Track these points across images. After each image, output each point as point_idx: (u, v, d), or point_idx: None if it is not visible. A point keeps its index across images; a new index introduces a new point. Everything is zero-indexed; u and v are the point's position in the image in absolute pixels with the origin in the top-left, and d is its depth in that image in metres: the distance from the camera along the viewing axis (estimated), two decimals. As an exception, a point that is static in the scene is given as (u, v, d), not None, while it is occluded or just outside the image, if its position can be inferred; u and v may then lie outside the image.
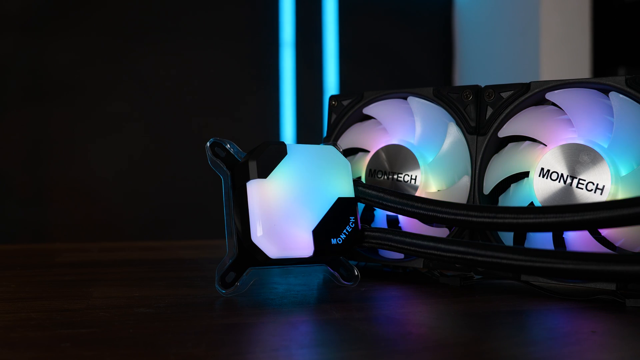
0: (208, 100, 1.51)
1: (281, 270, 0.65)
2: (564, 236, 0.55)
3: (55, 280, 0.63)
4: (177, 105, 1.49)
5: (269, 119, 1.57)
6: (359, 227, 0.56)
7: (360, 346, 0.39)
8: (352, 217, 0.55)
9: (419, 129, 0.62)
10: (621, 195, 0.52)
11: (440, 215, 0.53)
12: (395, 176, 0.62)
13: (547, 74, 1.42)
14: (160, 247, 0.97)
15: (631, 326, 0.46)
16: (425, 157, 0.62)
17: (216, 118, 1.52)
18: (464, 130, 0.60)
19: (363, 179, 0.65)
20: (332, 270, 0.56)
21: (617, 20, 1.54)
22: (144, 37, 1.46)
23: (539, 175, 0.55)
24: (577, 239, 0.54)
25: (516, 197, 0.57)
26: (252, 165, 0.52)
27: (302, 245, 0.52)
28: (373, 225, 0.64)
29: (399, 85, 0.65)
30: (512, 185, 0.58)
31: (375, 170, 0.64)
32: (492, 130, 0.59)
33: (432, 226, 0.61)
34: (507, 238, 0.57)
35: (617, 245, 0.52)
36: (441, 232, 0.60)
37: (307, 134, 1.57)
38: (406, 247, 0.54)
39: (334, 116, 0.68)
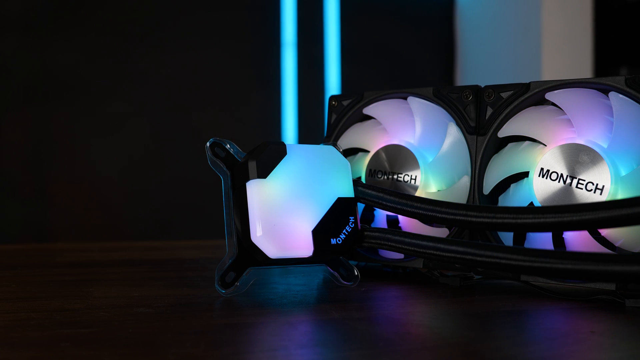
0: (209, 100, 1.51)
1: (281, 270, 0.65)
2: (563, 236, 0.55)
3: (55, 280, 0.63)
4: (178, 105, 1.49)
5: (270, 119, 1.57)
6: (359, 227, 0.56)
7: (359, 346, 0.39)
8: (351, 217, 0.55)
9: (419, 129, 0.62)
10: (621, 195, 0.52)
11: (440, 215, 0.53)
12: (395, 176, 0.62)
13: (548, 74, 1.42)
14: (161, 247, 0.97)
15: (631, 326, 0.46)
16: (425, 157, 0.62)
17: (218, 118, 1.52)
18: (463, 130, 0.60)
19: (363, 179, 0.65)
20: (331, 270, 0.56)
21: (619, 21, 1.54)
22: (146, 37, 1.46)
23: (539, 175, 0.55)
24: (577, 239, 0.54)
25: (516, 197, 0.57)
26: (252, 166, 0.52)
27: (302, 245, 0.52)
28: (373, 225, 0.64)
29: (400, 86, 0.65)
30: (512, 186, 0.58)
31: (375, 171, 0.64)
32: (491, 131, 0.59)
33: (432, 226, 0.61)
34: (507, 238, 0.57)
35: (616, 245, 0.52)
36: (441, 232, 0.60)
37: (309, 134, 1.57)
38: (405, 247, 0.54)
39: (334, 116, 0.68)
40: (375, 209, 0.64)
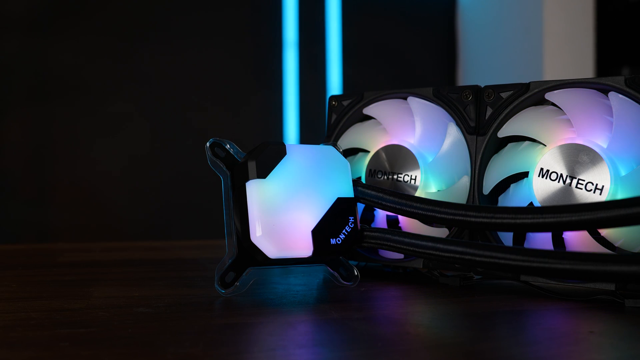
0: (211, 101, 1.51)
1: (281, 270, 0.66)
2: (563, 236, 0.55)
3: (56, 280, 0.63)
4: (180, 105, 1.49)
5: (272, 119, 1.57)
6: (359, 227, 0.56)
7: (358, 346, 0.39)
8: (351, 217, 0.55)
9: (418, 129, 0.62)
10: (621, 195, 0.52)
11: (439, 215, 0.53)
12: (395, 176, 0.63)
13: (550, 74, 1.42)
14: (162, 247, 0.98)
15: (630, 326, 0.45)
16: (425, 157, 0.62)
17: (219, 118, 1.52)
18: (463, 130, 0.60)
19: (363, 179, 0.65)
20: (331, 270, 0.56)
21: (621, 20, 1.54)
22: (147, 38, 1.46)
23: (539, 176, 0.55)
24: (577, 239, 0.54)
25: (516, 197, 0.57)
26: (252, 166, 0.52)
27: (301, 245, 0.52)
28: (373, 225, 0.64)
29: (402, 86, 0.65)
30: (512, 186, 0.58)
31: (375, 171, 0.64)
32: (491, 131, 0.59)
33: (432, 226, 0.61)
34: (507, 238, 0.57)
35: (616, 245, 0.52)
36: (441, 232, 0.60)
37: (310, 134, 1.57)
38: (405, 247, 0.54)
39: (334, 116, 0.69)
40: (375, 209, 0.64)
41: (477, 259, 0.49)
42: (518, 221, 0.48)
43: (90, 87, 1.43)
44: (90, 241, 1.33)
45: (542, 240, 0.55)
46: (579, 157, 0.53)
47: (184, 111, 1.49)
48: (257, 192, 0.51)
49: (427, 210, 0.54)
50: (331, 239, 0.53)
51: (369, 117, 0.67)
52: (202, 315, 0.47)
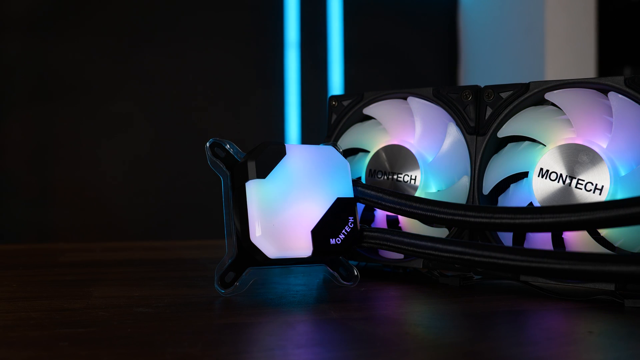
0: (213, 101, 1.51)
1: (281, 270, 0.66)
2: (563, 236, 0.55)
3: (56, 280, 0.63)
4: (181, 105, 1.49)
5: (273, 119, 1.57)
6: (358, 227, 0.56)
7: (357, 346, 0.40)
8: (351, 217, 0.55)
9: (418, 129, 0.62)
10: (620, 195, 0.52)
11: (439, 215, 0.53)
12: (395, 176, 0.63)
13: (551, 74, 1.41)
14: (163, 247, 0.98)
15: (629, 326, 0.45)
16: (425, 158, 0.62)
17: (221, 118, 1.52)
18: (463, 130, 0.60)
19: (363, 179, 0.65)
20: (331, 270, 0.56)
21: (623, 20, 1.54)
22: (149, 38, 1.46)
23: (538, 176, 0.55)
24: (576, 239, 0.54)
25: (515, 197, 0.57)
26: (251, 166, 0.52)
27: (301, 246, 0.52)
28: (373, 225, 0.64)
29: (403, 86, 0.65)
30: (512, 186, 0.58)
31: (375, 171, 0.64)
32: (491, 131, 0.59)
33: (432, 226, 0.61)
34: (507, 238, 0.57)
35: (615, 245, 0.52)
36: (441, 232, 0.60)
37: (312, 134, 1.57)
38: (404, 247, 0.54)
39: (334, 116, 0.69)
40: (375, 209, 0.64)
41: (476, 259, 0.49)
42: (517, 221, 0.48)
43: (92, 87, 1.43)
44: (92, 241, 1.33)
45: (541, 240, 0.55)
46: (578, 157, 0.53)
47: (185, 111, 1.49)
48: (256, 192, 0.52)
49: (426, 210, 0.54)
50: (331, 239, 0.53)
51: (369, 117, 0.67)
52: (201, 315, 0.47)
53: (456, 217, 0.52)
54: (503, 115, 0.58)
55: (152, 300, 0.51)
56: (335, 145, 0.58)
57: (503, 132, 0.58)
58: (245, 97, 1.54)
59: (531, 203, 0.56)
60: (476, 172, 0.59)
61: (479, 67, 1.65)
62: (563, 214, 0.46)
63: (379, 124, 0.66)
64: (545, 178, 0.55)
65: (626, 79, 0.52)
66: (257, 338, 0.42)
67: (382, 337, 0.42)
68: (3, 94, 1.38)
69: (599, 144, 0.53)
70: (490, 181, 0.58)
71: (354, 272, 0.56)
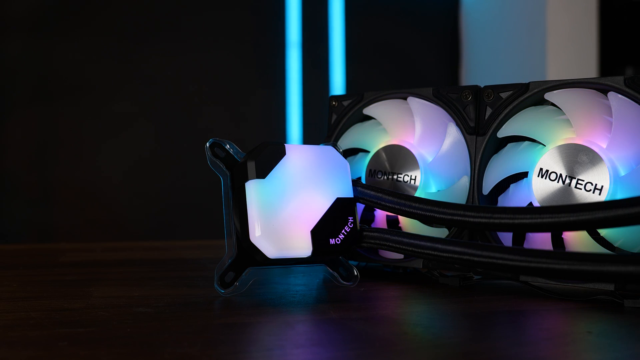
0: (214, 101, 1.52)
1: (281, 270, 0.66)
2: (562, 236, 0.55)
3: (56, 279, 0.63)
4: (183, 105, 1.49)
5: (275, 119, 1.57)
6: (358, 227, 0.56)
7: (355, 346, 0.40)
8: (350, 218, 0.55)
9: (418, 129, 0.63)
10: (620, 195, 0.52)
11: (438, 215, 0.53)
12: (395, 176, 0.63)
13: (553, 74, 1.41)
14: (164, 247, 0.98)
15: (628, 327, 0.45)
16: (424, 158, 0.62)
17: (222, 118, 1.52)
18: (463, 130, 0.60)
19: (363, 179, 0.65)
20: (331, 271, 0.56)
21: (625, 20, 1.54)
22: (151, 38, 1.47)
23: (538, 176, 0.55)
24: (576, 240, 0.54)
25: (515, 197, 0.57)
26: (251, 166, 0.52)
27: (301, 246, 0.52)
28: (373, 225, 0.64)
29: (405, 85, 0.65)
30: (512, 186, 0.58)
31: (375, 171, 0.64)
32: (491, 131, 0.59)
33: (432, 226, 0.61)
34: (507, 238, 0.57)
35: (615, 245, 0.52)
36: (441, 232, 0.60)
37: (313, 133, 1.57)
38: (404, 247, 0.54)
39: (334, 116, 0.69)
40: (375, 209, 0.64)
41: (476, 259, 0.49)
42: (516, 221, 0.48)
43: (94, 88, 1.43)
44: (93, 241, 1.34)
45: (541, 240, 0.55)
46: (578, 157, 0.53)
47: (187, 111, 1.49)
48: (256, 192, 0.52)
49: (426, 210, 0.54)
50: (330, 239, 0.53)
51: (369, 117, 0.67)
52: (201, 315, 0.47)
53: (455, 217, 0.52)
54: (503, 115, 0.58)
55: (152, 300, 0.51)
56: (335, 146, 0.58)
57: (503, 132, 0.58)
58: (247, 97, 1.54)
59: (531, 203, 0.56)
60: (476, 172, 0.59)
61: (480, 67, 1.65)
62: (562, 214, 0.46)
63: (379, 124, 0.66)
64: (545, 178, 0.55)
65: (626, 79, 0.52)
66: (257, 338, 0.42)
67: (381, 337, 0.42)
68: (5, 94, 1.38)
69: (599, 144, 0.53)
70: (490, 181, 0.58)
71: (353, 272, 0.57)
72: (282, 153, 0.54)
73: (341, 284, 0.57)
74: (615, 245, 0.52)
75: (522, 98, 0.58)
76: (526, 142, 0.57)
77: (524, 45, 1.50)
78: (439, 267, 0.59)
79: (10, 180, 1.38)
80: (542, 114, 0.57)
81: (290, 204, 0.52)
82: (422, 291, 0.57)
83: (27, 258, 0.83)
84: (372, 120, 0.67)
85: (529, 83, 0.57)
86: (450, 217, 0.52)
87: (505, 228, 0.50)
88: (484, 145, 0.59)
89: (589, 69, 1.45)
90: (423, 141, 0.62)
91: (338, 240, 0.54)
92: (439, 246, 0.51)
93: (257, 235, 0.51)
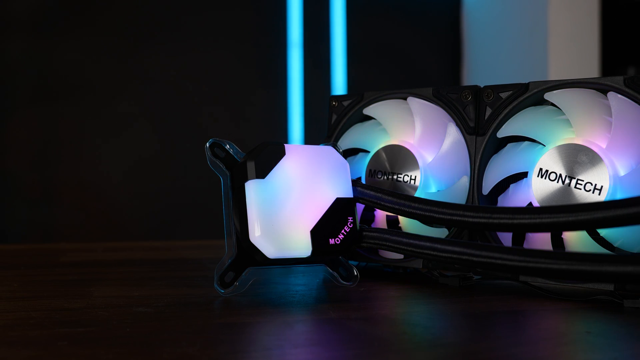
0: (216, 101, 1.52)
1: (281, 270, 0.66)
2: (562, 237, 0.55)
3: (57, 279, 0.63)
4: (184, 106, 1.49)
5: (276, 119, 1.57)
6: (358, 227, 0.56)
7: (354, 346, 0.40)
8: (350, 218, 0.55)
9: (418, 129, 0.63)
10: (620, 195, 0.52)
11: (437, 215, 0.53)
12: (395, 176, 0.63)
13: (555, 74, 1.41)
14: (165, 247, 0.98)
15: (627, 326, 0.45)
16: (424, 158, 0.62)
17: (224, 119, 1.52)
18: (463, 130, 0.60)
19: (363, 180, 0.65)
20: (331, 270, 0.56)
21: (626, 20, 1.53)
22: (152, 38, 1.47)
23: (538, 176, 0.55)
24: (576, 240, 0.54)
25: (515, 197, 0.57)
26: (251, 166, 0.52)
27: (300, 246, 0.52)
28: (373, 225, 0.64)
29: (407, 86, 0.65)
30: (511, 186, 0.58)
31: (375, 171, 0.64)
32: (491, 131, 0.59)
33: (432, 226, 0.61)
34: (507, 238, 0.57)
35: (615, 245, 0.52)
36: (441, 232, 0.60)
37: (315, 133, 1.57)
38: (403, 247, 0.54)
39: (334, 116, 0.69)
40: (375, 209, 0.64)
41: (475, 259, 0.49)
42: (515, 221, 0.48)
43: (95, 88, 1.43)
44: (94, 241, 1.34)
45: (541, 240, 0.55)
46: (578, 157, 0.53)
47: (188, 111, 1.49)
48: (256, 192, 0.52)
49: (425, 210, 0.54)
50: (330, 239, 0.53)
51: (369, 118, 0.67)
52: (200, 314, 0.47)
53: (454, 217, 0.52)
54: (502, 115, 0.58)
55: (151, 300, 0.51)
56: (334, 146, 0.58)
57: (502, 132, 0.58)
58: (248, 97, 1.54)
59: (530, 203, 0.56)
60: (476, 172, 0.59)
61: (481, 67, 1.65)
62: (561, 214, 0.46)
63: (379, 124, 0.66)
64: (545, 178, 0.55)
65: (625, 79, 0.52)
66: (256, 338, 0.42)
67: (380, 337, 0.42)
68: (6, 94, 1.39)
69: (599, 144, 0.53)
70: (489, 181, 0.58)
71: (353, 272, 0.57)
72: (281, 153, 0.54)
73: (341, 284, 0.57)
74: (615, 246, 0.52)
75: (521, 98, 0.58)
76: (526, 142, 0.57)
77: (526, 45, 1.50)
78: (438, 267, 0.59)
79: (11, 180, 1.38)
80: (542, 114, 0.57)
81: (289, 204, 0.52)
82: (422, 291, 0.57)
83: (28, 258, 0.83)
84: (372, 120, 0.67)
85: (528, 83, 0.57)
86: (449, 217, 0.52)
87: (504, 228, 0.50)
88: (483, 145, 0.59)
89: (591, 69, 1.44)
90: (423, 141, 0.62)
91: (338, 240, 0.54)
92: (438, 246, 0.51)
93: (257, 235, 0.51)
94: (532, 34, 1.47)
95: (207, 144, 0.54)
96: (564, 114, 0.55)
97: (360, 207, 0.64)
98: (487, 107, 0.59)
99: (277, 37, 1.57)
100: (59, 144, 1.41)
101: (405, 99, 0.64)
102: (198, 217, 1.47)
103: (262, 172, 0.52)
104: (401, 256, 0.61)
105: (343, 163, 0.57)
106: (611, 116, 0.53)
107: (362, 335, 0.42)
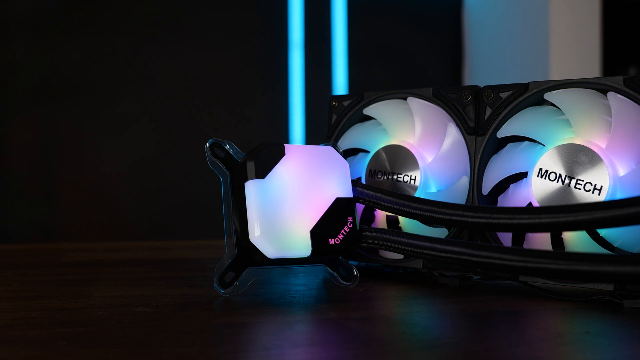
0: (217, 101, 1.52)
1: (281, 270, 0.66)
2: (562, 237, 0.55)
3: (57, 279, 0.63)
4: (185, 106, 1.49)
5: (277, 119, 1.57)
6: (357, 227, 0.56)
7: (353, 345, 0.40)
8: (350, 218, 0.55)
9: (418, 129, 0.63)
10: (620, 195, 0.52)
11: (437, 215, 0.53)
12: (395, 176, 0.63)
13: (556, 74, 1.41)
14: (165, 247, 0.98)
15: (627, 327, 0.46)
16: (424, 158, 0.62)
17: (225, 119, 1.52)
18: (463, 130, 0.60)
19: (363, 180, 0.65)
20: (331, 271, 0.56)
21: (628, 20, 1.53)
22: (153, 38, 1.47)
23: (537, 176, 0.55)
24: (576, 240, 0.54)
25: (515, 197, 0.57)
26: (250, 166, 0.52)
27: (300, 245, 0.52)
28: (373, 225, 0.64)
29: (408, 86, 0.65)
30: (511, 186, 0.58)
31: (375, 171, 0.64)
32: (490, 131, 0.59)
33: (432, 226, 0.61)
34: (507, 238, 0.57)
35: (615, 245, 0.52)
36: (441, 232, 0.60)
37: (316, 133, 1.57)
38: (403, 247, 0.54)
39: (334, 117, 0.69)
40: (375, 209, 0.64)
41: (474, 259, 0.49)
42: (514, 221, 0.48)
43: (96, 88, 1.43)
44: (96, 241, 1.34)
45: (541, 240, 0.55)
46: (577, 157, 0.53)
47: (189, 111, 1.49)
48: (255, 192, 0.52)
49: (425, 210, 0.54)
50: (329, 239, 0.53)
51: (369, 118, 0.67)
52: (200, 314, 0.47)
53: (454, 218, 0.52)
54: (502, 115, 0.58)
55: (151, 299, 0.51)
56: (334, 146, 0.58)
57: (502, 132, 0.58)
58: (249, 97, 1.54)
59: (530, 203, 0.56)
60: (476, 172, 0.59)
61: (483, 67, 1.65)
62: (560, 214, 0.46)
63: (379, 124, 0.66)
64: (545, 178, 0.55)
65: (625, 79, 0.52)
66: (255, 338, 0.42)
67: (379, 337, 0.42)
68: (8, 94, 1.39)
69: (598, 144, 0.53)
70: (489, 181, 0.58)
71: (353, 272, 0.57)
72: (281, 153, 0.54)
73: (341, 284, 0.57)
74: (615, 246, 0.52)
75: (521, 98, 0.58)
76: (526, 142, 0.57)
77: (527, 45, 1.49)
78: (438, 267, 0.59)
79: (12, 180, 1.39)
80: (542, 114, 0.57)
81: (289, 204, 0.52)
82: (422, 291, 0.57)
83: (28, 258, 0.83)
84: (372, 120, 0.67)
85: (528, 83, 0.57)
86: (448, 217, 0.52)
87: (504, 228, 0.50)
88: (483, 145, 0.59)
89: (592, 69, 1.44)
90: (423, 141, 0.62)
91: (337, 240, 0.54)
92: (438, 246, 0.51)
93: (257, 235, 0.51)
94: (534, 34, 1.47)
95: (207, 144, 0.54)
96: (563, 114, 0.55)
97: (360, 207, 0.64)
98: (487, 107, 0.59)
99: (278, 37, 1.57)
100: (60, 144, 1.41)
101: (405, 99, 0.64)
102: (198, 217, 1.47)
103: (262, 172, 0.52)
104: (401, 256, 0.61)
105: (343, 163, 0.57)
106: (611, 116, 0.53)
107: (361, 335, 0.42)
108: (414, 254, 0.54)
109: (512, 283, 0.59)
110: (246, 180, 0.52)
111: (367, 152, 0.66)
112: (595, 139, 0.53)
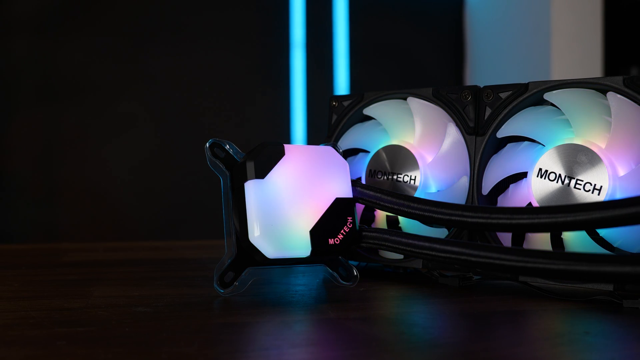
0: (218, 101, 1.52)
1: (281, 270, 0.66)
2: (562, 237, 0.55)
3: (58, 279, 0.63)
4: (187, 106, 1.49)
5: (279, 120, 1.57)
6: (357, 227, 0.56)
7: (352, 345, 0.40)
8: (349, 218, 0.55)
9: (418, 129, 0.63)
10: (619, 195, 0.52)
11: (436, 215, 0.53)
12: (395, 176, 0.63)
13: (557, 74, 1.41)
14: (166, 247, 0.98)
15: (626, 327, 0.45)
16: (424, 158, 0.62)
17: (226, 119, 1.53)
18: (463, 130, 0.60)
19: (363, 180, 0.65)
20: (330, 271, 0.56)
21: (629, 20, 1.53)
22: (155, 39, 1.47)
23: (537, 176, 0.55)
24: (576, 240, 0.54)
25: (515, 197, 0.57)
26: (250, 166, 0.52)
27: (300, 246, 0.52)
28: (373, 225, 0.64)
29: (409, 86, 0.65)
30: (511, 186, 0.58)
31: (375, 171, 0.64)
32: (490, 131, 0.59)
33: (432, 226, 0.61)
34: (506, 238, 0.57)
35: (615, 246, 0.52)
36: (441, 232, 0.61)
37: (317, 134, 1.57)
38: (402, 247, 0.54)
39: (334, 117, 0.69)
40: (375, 209, 0.64)
41: (473, 259, 0.49)
42: (514, 222, 0.48)
43: (98, 88, 1.43)
44: (97, 241, 1.34)
45: (541, 240, 0.55)
46: (577, 157, 0.53)
47: (190, 112, 1.50)
48: (255, 192, 0.52)
49: (424, 210, 0.54)
50: (329, 239, 0.53)
51: (369, 118, 0.67)
52: (200, 314, 0.47)
53: (453, 218, 0.52)
54: (502, 115, 0.58)
55: (151, 299, 0.52)
56: (334, 146, 0.58)
57: (502, 133, 0.58)
58: (251, 97, 1.54)
59: (530, 203, 0.56)
60: (475, 172, 0.59)
61: (484, 68, 1.65)
62: (559, 214, 0.46)
63: (379, 124, 0.66)
64: (544, 178, 0.55)
65: (625, 79, 0.52)
66: (254, 337, 0.42)
67: (378, 337, 0.42)
68: (10, 94, 1.39)
69: (598, 144, 0.53)
70: (489, 181, 0.58)
71: (353, 272, 0.57)
72: (281, 153, 0.54)
73: (341, 284, 0.57)
74: (615, 246, 0.52)
75: (521, 98, 0.58)
76: (525, 142, 0.57)
77: (529, 45, 1.49)
78: (438, 267, 0.59)
79: (14, 180, 1.39)
80: (542, 114, 0.57)
81: (289, 204, 0.52)
82: (422, 291, 0.57)
83: (29, 258, 0.83)
84: (372, 120, 0.67)
85: (528, 83, 0.57)
86: (448, 217, 0.52)
87: (503, 228, 0.50)
88: (483, 145, 0.59)
89: (594, 69, 1.44)
90: (423, 141, 0.62)
91: (337, 240, 0.54)
92: (438, 246, 0.51)
93: (256, 235, 0.51)
94: (535, 34, 1.47)
95: (207, 144, 0.54)
96: (563, 114, 0.55)
97: (360, 207, 0.64)
98: (487, 107, 0.59)
99: (279, 37, 1.57)
100: (62, 144, 1.41)
101: (405, 99, 0.64)
102: (199, 217, 1.47)
103: (262, 172, 0.52)
104: (401, 256, 0.61)
105: (343, 163, 0.57)
106: (610, 116, 0.53)
107: (360, 335, 0.42)
108: (414, 254, 0.54)
109: (511, 283, 0.59)
110: (246, 180, 0.52)
111: (367, 152, 0.66)
112: (594, 139, 0.53)
